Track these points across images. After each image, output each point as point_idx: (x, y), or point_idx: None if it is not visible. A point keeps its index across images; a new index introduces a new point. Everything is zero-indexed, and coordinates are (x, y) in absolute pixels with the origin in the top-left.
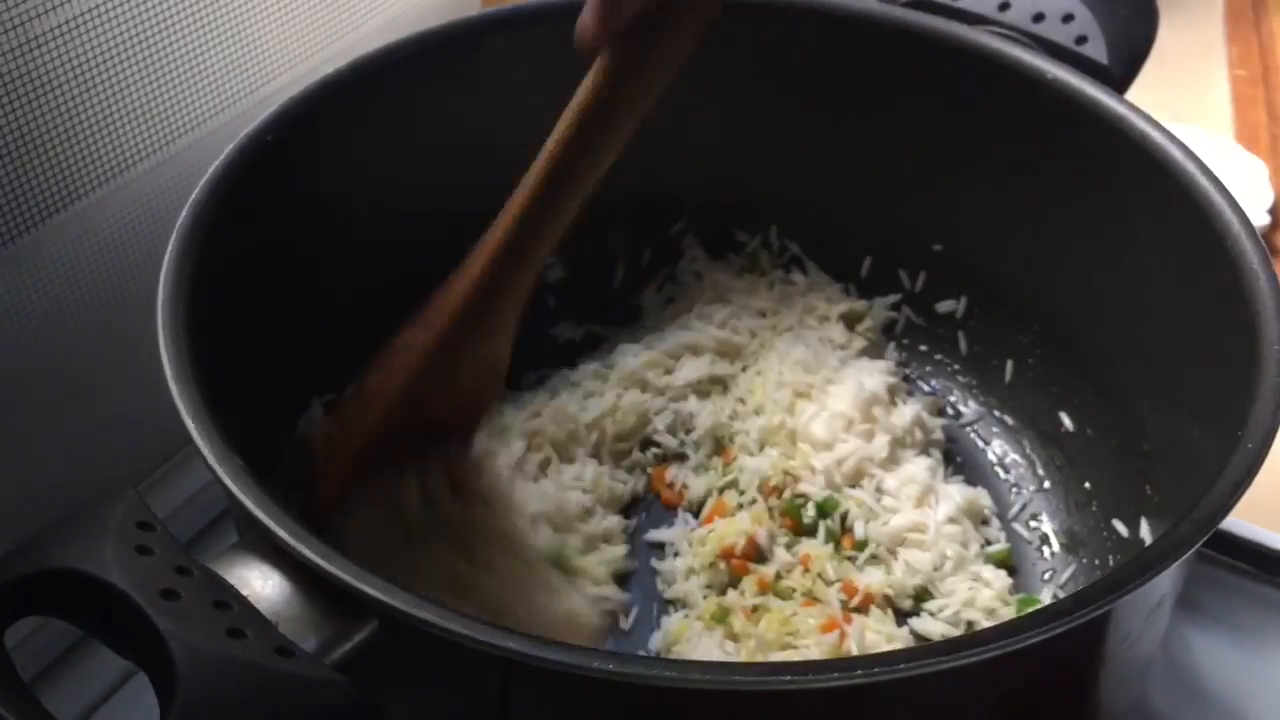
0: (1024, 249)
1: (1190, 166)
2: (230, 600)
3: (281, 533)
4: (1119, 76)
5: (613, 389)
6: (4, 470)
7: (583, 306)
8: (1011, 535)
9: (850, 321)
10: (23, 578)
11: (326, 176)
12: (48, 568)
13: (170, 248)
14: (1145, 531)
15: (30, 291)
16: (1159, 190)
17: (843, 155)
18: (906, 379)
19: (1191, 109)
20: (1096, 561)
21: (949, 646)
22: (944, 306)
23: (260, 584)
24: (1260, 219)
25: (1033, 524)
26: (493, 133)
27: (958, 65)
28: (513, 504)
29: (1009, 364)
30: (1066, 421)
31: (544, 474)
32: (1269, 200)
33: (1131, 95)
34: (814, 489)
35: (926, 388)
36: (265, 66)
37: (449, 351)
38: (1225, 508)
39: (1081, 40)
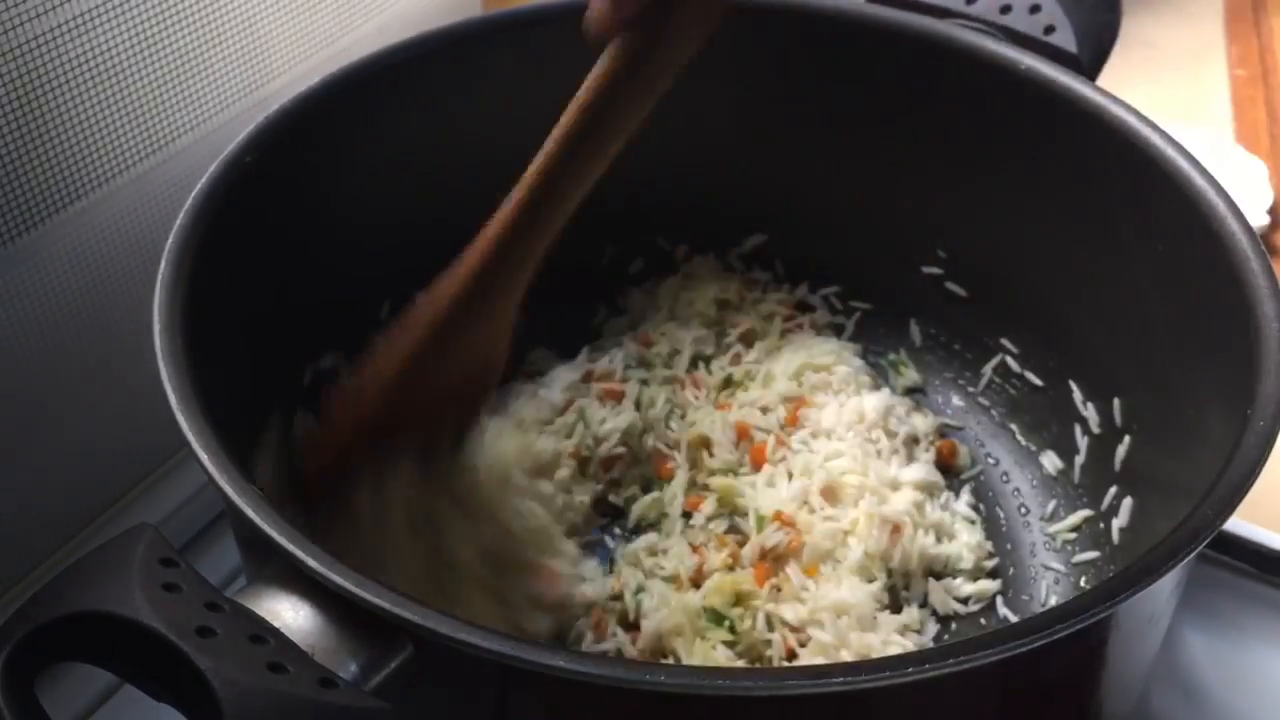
0: (1004, 241)
1: (1170, 151)
2: (265, 634)
3: (313, 563)
4: (1088, 64)
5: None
6: (1, 469)
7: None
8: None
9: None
10: (50, 623)
11: (323, 182)
12: (75, 611)
13: (163, 267)
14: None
15: (30, 291)
16: (1139, 174)
17: (812, 154)
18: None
19: (1191, 109)
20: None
21: (951, 651)
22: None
23: (291, 615)
24: (1260, 219)
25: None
26: (492, 138)
27: (929, 59)
28: (492, 515)
29: (989, 361)
30: (1054, 457)
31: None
32: (1269, 200)
33: (1131, 96)
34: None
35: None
36: (265, 66)
37: (445, 339)
38: (1227, 509)
39: (1050, 30)
